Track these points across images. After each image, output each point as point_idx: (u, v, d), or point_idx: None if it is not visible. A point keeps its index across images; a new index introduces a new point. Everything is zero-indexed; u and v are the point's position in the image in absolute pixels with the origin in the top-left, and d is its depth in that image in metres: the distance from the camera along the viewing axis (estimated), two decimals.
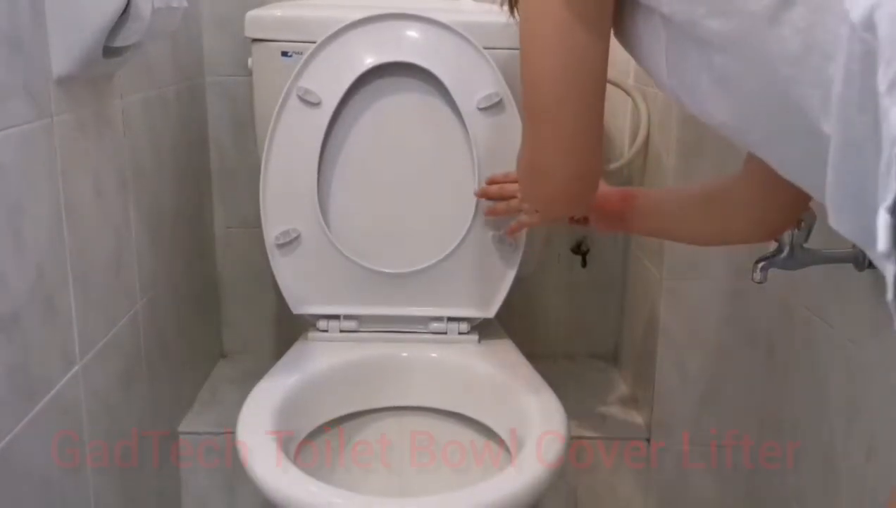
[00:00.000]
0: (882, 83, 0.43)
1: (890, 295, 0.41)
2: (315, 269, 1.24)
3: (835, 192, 0.51)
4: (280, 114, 1.19)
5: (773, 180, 0.70)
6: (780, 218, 0.86)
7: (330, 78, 1.18)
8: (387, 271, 1.24)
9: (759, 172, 0.77)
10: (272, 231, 1.22)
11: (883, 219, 0.40)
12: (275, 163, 1.20)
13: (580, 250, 1.56)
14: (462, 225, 1.23)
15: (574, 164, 0.80)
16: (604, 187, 1.04)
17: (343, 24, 1.18)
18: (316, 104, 1.19)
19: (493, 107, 1.19)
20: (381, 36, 1.19)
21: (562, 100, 0.76)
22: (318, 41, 1.17)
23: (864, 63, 0.45)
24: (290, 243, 1.23)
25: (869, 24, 0.44)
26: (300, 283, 1.24)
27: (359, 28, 1.18)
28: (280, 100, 1.18)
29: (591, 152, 0.80)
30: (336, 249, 1.23)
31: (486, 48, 1.18)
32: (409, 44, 1.19)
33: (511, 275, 1.25)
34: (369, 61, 1.18)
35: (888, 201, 0.40)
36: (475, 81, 1.19)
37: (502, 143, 1.19)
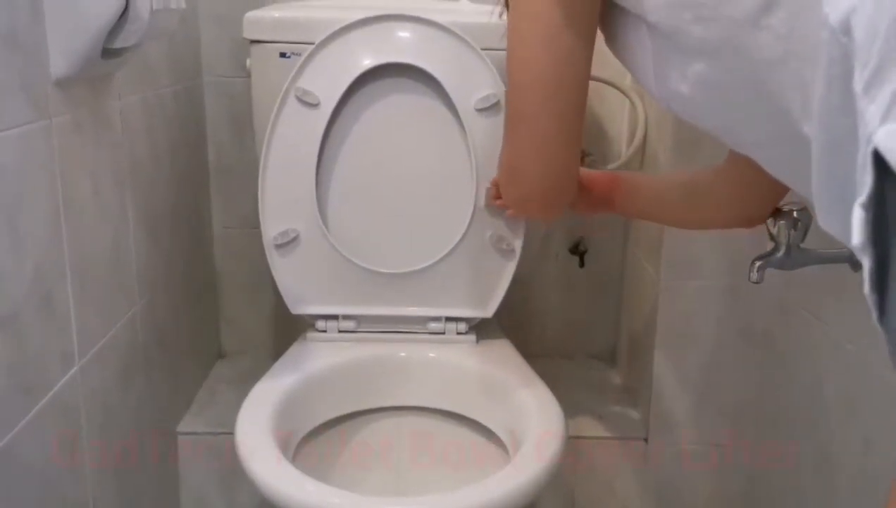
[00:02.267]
0: (858, 84, 0.44)
1: (866, 288, 0.42)
2: (313, 269, 1.24)
3: (821, 193, 0.52)
4: (278, 115, 1.19)
5: (754, 175, 0.72)
6: (760, 209, 0.89)
7: (328, 79, 1.18)
8: (385, 271, 1.24)
9: (742, 166, 0.79)
10: (271, 231, 1.22)
11: (857, 214, 0.41)
12: (273, 163, 1.20)
13: (578, 251, 1.57)
14: (460, 225, 1.23)
15: (552, 167, 0.81)
16: (590, 172, 1.06)
17: (341, 25, 1.18)
18: (314, 105, 1.19)
19: (490, 108, 1.20)
20: (379, 37, 1.19)
21: (545, 103, 0.77)
22: (317, 42, 1.18)
23: (843, 66, 0.46)
24: (288, 243, 1.23)
25: (846, 28, 0.45)
26: (298, 283, 1.25)
27: (357, 29, 1.18)
28: (278, 100, 1.18)
29: (569, 157, 0.82)
30: (334, 249, 1.23)
31: (483, 49, 1.18)
32: (407, 45, 1.20)
33: (509, 275, 1.25)
34: (367, 62, 1.18)
35: (862, 197, 0.41)
36: (473, 82, 1.19)
37: (500, 143, 1.20)
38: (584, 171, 1.04)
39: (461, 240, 1.23)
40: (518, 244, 1.24)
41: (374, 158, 1.23)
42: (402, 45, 1.19)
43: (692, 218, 0.98)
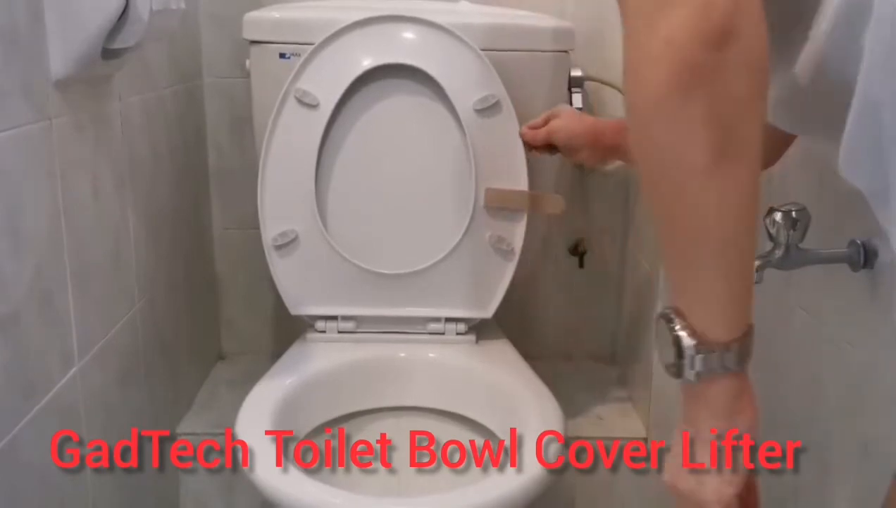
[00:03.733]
0: None
1: None
2: (313, 270, 1.24)
3: (850, 142, 0.51)
4: (278, 115, 1.19)
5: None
6: (771, 153, 0.86)
7: (328, 80, 1.19)
8: (384, 272, 1.24)
9: None
10: (270, 232, 1.22)
11: None
12: (273, 164, 1.20)
13: (577, 251, 1.57)
14: (459, 226, 1.23)
15: None
16: (598, 120, 1.07)
17: (341, 26, 1.18)
18: (314, 106, 1.19)
19: (490, 108, 1.20)
20: (378, 38, 1.19)
21: None
22: (317, 43, 1.18)
23: (893, 27, 0.44)
24: (287, 244, 1.23)
25: None
26: (298, 284, 1.24)
27: (356, 30, 1.19)
28: (278, 101, 1.18)
29: None
30: (334, 250, 1.23)
31: (483, 50, 1.18)
32: (407, 46, 1.20)
33: (509, 275, 1.25)
34: (367, 63, 1.19)
35: None
36: (472, 82, 1.19)
37: (499, 144, 1.20)
38: (592, 119, 1.05)
39: (460, 241, 1.23)
40: (518, 245, 1.24)
41: (373, 158, 1.23)
42: (402, 46, 1.19)
43: None
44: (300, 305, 1.25)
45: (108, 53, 0.92)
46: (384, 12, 1.19)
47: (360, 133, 1.22)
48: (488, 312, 1.27)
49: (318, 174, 1.21)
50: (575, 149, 1.10)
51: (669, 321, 0.56)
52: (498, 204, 1.22)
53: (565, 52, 1.27)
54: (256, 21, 1.24)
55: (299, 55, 1.19)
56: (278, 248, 1.23)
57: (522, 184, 1.22)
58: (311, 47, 1.18)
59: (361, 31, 1.19)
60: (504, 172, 1.21)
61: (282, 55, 1.23)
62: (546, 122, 1.14)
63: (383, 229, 1.25)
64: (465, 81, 1.19)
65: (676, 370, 0.57)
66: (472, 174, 1.21)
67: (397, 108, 1.22)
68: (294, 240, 1.23)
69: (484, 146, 1.20)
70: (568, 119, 1.12)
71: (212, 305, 1.60)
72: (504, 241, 1.24)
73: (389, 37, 1.20)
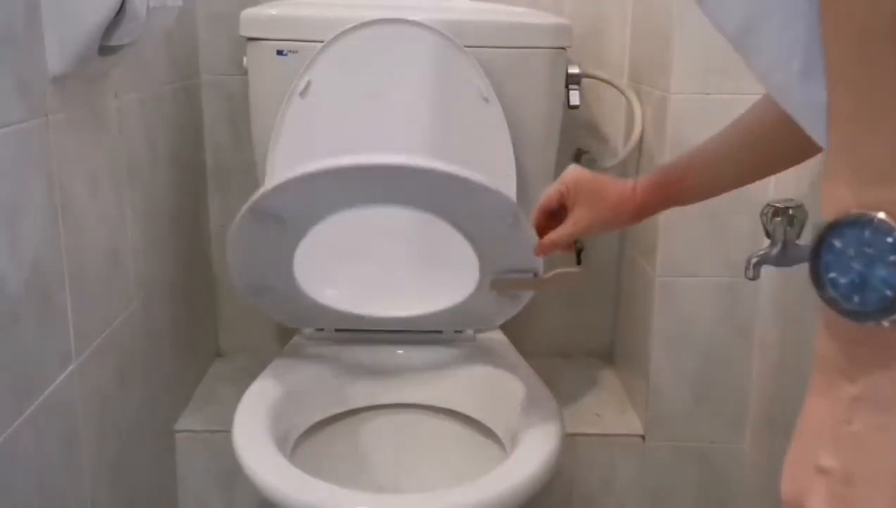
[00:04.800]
0: None
1: None
2: (297, 314, 1.21)
3: None
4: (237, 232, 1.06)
5: None
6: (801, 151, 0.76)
7: (298, 202, 1.04)
8: (385, 316, 1.20)
9: None
10: (241, 286, 1.13)
11: None
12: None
13: (575, 248, 1.56)
14: (470, 277, 1.12)
15: None
16: (619, 192, 0.92)
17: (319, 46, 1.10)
18: (281, 220, 1.06)
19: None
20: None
21: None
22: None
23: None
24: (263, 293, 1.15)
25: None
26: (288, 319, 1.24)
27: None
28: (237, 219, 1.05)
29: None
30: (318, 302, 1.16)
31: (480, 47, 1.17)
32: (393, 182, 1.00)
33: (517, 310, 1.18)
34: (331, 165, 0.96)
35: None
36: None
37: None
38: (614, 194, 0.92)
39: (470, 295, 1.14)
40: (529, 295, 1.16)
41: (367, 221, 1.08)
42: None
43: (762, 165, 0.84)
44: (294, 324, 1.25)
45: (105, 50, 0.92)
46: (371, 16, 1.12)
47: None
48: (493, 326, 1.25)
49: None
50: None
51: (869, 223, 0.38)
52: (506, 291, 1.13)
53: (563, 48, 1.26)
54: (253, 18, 1.24)
55: (297, 52, 1.18)
56: (257, 296, 1.15)
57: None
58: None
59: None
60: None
61: (279, 52, 1.22)
62: (560, 197, 0.95)
63: (381, 274, 1.20)
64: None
65: (871, 305, 0.38)
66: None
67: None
68: (269, 291, 1.14)
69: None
70: (591, 207, 0.92)
71: (209, 302, 1.59)
72: (517, 294, 1.15)
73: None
